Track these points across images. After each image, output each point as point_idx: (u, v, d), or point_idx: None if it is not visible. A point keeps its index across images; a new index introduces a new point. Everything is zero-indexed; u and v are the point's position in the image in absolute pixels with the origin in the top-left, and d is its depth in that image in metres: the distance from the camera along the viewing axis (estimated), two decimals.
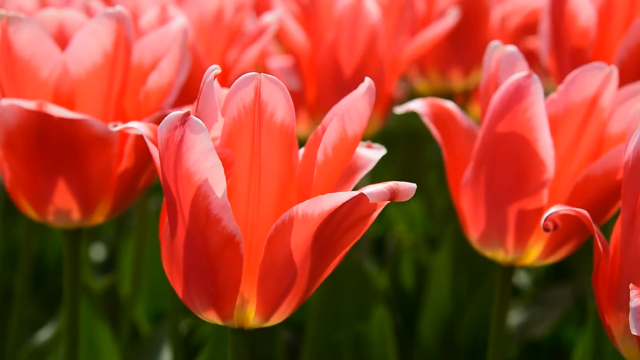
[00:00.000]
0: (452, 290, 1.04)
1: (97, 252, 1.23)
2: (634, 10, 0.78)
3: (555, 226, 0.58)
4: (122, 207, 0.67)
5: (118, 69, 0.63)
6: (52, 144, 0.63)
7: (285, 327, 1.10)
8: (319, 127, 0.52)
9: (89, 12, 0.77)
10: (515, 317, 1.08)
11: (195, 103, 0.50)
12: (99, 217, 0.66)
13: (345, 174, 0.55)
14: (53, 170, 0.63)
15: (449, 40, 1.09)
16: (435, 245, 1.19)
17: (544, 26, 0.81)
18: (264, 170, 0.50)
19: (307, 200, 0.48)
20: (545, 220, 0.57)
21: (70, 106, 0.63)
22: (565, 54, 0.78)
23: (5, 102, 0.61)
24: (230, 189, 0.50)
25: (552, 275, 1.21)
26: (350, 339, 0.92)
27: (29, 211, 0.65)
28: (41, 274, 1.14)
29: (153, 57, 0.66)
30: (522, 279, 1.23)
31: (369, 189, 0.48)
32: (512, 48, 0.63)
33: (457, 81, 1.11)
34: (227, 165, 0.49)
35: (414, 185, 0.49)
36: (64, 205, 0.64)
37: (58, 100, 0.63)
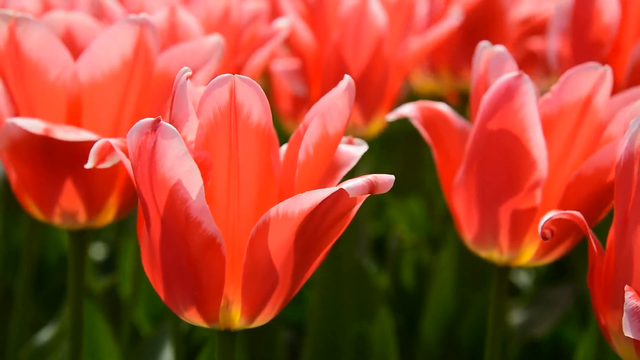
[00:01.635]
0: (454, 290, 1.04)
1: (97, 252, 1.23)
2: None
3: (553, 233, 0.57)
4: (129, 209, 0.67)
5: (136, 76, 0.63)
6: (58, 148, 0.63)
7: (285, 327, 1.10)
8: (300, 126, 0.52)
9: (101, 13, 0.76)
10: (515, 317, 1.08)
11: (169, 106, 0.50)
12: (105, 218, 0.66)
13: (328, 172, 0.54)
14: (59, 172, 0.63)
15: (463, 40, 1.08)
16: (436, 245, 1.19)
17: (560, 21, 0.80)
18: (243, 172, 0.50)
19: (286, 200, 0.48)
20: (542, 229, 0.56)
21: (78, 109, 0.63)
22: (584, 50, 0.77)
23: (10, 121, 0.61)
24: (209, 191, 0.49)
25: (552, 275, 1.20)
26: (351, 339, 0.92)
27: (36, 212, 0.65)
28: (42, 275, 1.14)
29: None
30: (522, 279, 1.23)
31: (348, 184, 0.48)
32: (500, 48, 0.63)
33: (469, 82, 1.11)
34: (205, 167, 0.49)
35: (392, 177, 0.49)
36: (70, 207, 0.64)
37: (66, 103, 0.62)
